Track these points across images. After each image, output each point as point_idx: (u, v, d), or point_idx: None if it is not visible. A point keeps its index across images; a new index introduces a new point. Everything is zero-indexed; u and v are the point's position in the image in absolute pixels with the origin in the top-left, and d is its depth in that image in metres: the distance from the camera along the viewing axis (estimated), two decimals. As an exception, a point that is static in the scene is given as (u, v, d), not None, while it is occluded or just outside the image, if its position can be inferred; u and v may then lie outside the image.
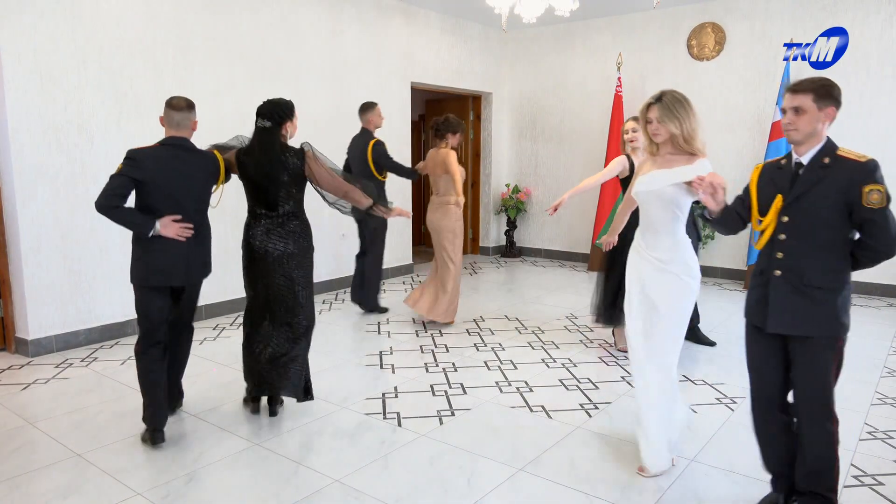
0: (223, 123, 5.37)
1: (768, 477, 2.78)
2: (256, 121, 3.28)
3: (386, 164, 5.37)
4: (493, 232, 8.83)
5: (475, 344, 4.76)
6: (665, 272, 2.72)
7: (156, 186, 3.02)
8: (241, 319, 5.25)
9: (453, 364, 4.31)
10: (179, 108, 3.12)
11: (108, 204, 2.94)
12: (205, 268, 3.32)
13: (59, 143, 4.44)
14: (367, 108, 5.46)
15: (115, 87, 4.70)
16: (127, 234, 4.73)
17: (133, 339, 4.77)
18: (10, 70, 4.17)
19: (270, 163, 3.20)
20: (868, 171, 2.16)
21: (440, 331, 5.08)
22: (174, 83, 5.04)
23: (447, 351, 4.59)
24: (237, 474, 2.84)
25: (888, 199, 2.14)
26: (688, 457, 2.98)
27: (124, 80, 4.75)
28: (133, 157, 3.00)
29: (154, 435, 3.11)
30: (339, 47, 6.36)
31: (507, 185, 8.63)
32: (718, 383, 3.92)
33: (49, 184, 4.41)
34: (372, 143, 5.34)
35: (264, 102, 3.29)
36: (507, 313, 5.67)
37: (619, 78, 7.33)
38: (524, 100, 8.55)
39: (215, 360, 4.37)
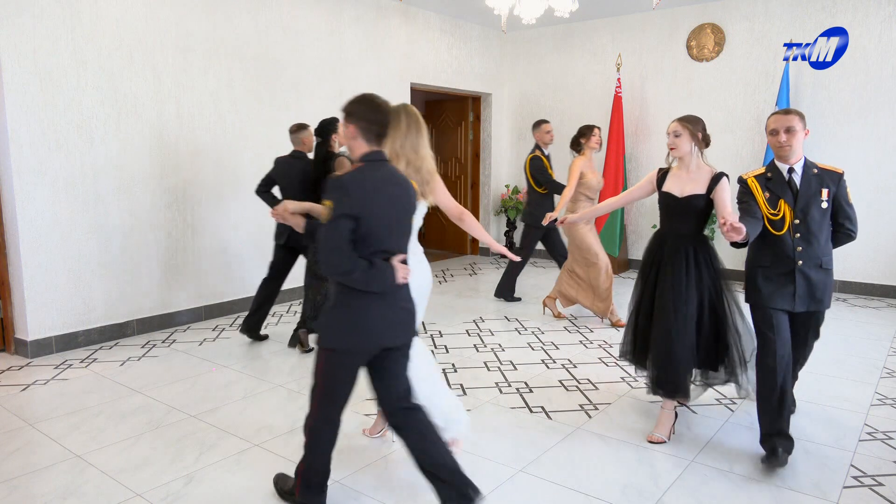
0: (223, 124, 5.38)
1: (767, 477, 2.79)
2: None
3: (541, 178, 5.60)
4: (492, 233, 8.82)
5: (475, 345, 4.75)
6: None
7: (280, 179, 4.60)
8: (240, 321, 5.35)
9: (453, 365, 4.30)
10: (291, 131, 4.62)
11: (257, 190, 4.65)
12: (298, 234, 4.39)
13: (59, 143, 4.44)
14: (536, 125, 5.75)
15: (114, 88, 4.70)
16: (122, 236, 4.80)
17: (131, 341, 4.83)
18: (9, 70, 4.17)
19: (316, 165, 4.40)
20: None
21: (440, 331, 5.08)
22: (173, 84, 5.04)
23: (447, 352, 4.59)
24: (237, 474, 2.84)
25: (333, 214, 2.15)
26: (688, 457, 2.98)
27: (123, 80, 4.75)
28: (274, 162, 4.67)
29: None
30: (339, 48, 6.36)
31: (507, 187, 8.63)
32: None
33: (49, 184, 4.41)
34: (529, 157, 5.60)
35: (319, 122, 4.46)
36: (506, 314, 5.68)
37: (618, 79, 7.33)
38: (524, 101, 8.55)
39: (216, 360, 4.37)
